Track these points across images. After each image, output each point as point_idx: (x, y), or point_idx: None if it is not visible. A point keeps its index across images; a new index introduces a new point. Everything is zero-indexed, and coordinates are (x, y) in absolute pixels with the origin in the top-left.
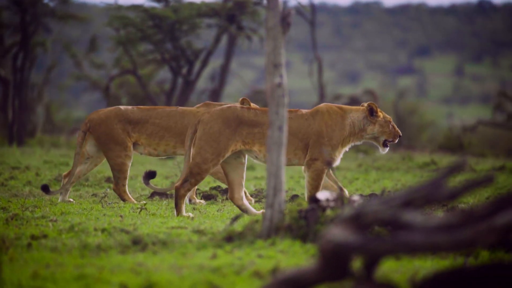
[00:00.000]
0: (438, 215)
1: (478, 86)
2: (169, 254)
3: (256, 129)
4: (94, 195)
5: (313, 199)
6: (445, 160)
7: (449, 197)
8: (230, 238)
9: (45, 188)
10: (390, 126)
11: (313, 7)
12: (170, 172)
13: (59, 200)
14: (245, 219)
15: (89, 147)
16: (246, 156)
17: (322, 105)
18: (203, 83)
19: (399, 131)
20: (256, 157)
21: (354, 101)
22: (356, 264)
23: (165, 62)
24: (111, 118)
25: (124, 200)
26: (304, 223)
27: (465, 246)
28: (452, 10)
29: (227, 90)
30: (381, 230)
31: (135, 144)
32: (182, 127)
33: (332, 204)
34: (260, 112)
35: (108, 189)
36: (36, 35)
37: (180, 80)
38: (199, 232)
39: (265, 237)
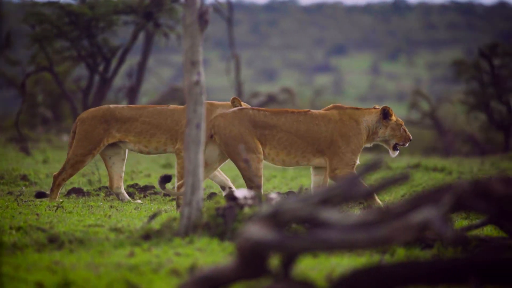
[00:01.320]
0: (355, 212)
1: (394, 84)
2: (86, 252)
3: (266, 130)
4: (10, 193)
5: (231, 197)
6: (362, 158)
7: (365, 195)
8: (147, 236)
9: (41, 195)
10: (402, 130)
11: (230, 5)
12: (86, 170)
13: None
14: (162, 217)
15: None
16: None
17: (334, 111)
18: (120, 80)
19: (410, 135)
20: (265, 158)
21: (271, 99)
22: (274, 261)
23: (81, 59)
24: (97, 117)
25: (52, 190)
26: (222, 221)
27: (382, 244)
28: (367, 9)
29: (144, 87)
30: (298, 227)
31: (123, 142)
32: (172, 122)
33: (250, 202)
34: (269, 114)
35: (24, 187)
36: None
37: (96, 78)
38: (116, 230)
39: (183, 235)
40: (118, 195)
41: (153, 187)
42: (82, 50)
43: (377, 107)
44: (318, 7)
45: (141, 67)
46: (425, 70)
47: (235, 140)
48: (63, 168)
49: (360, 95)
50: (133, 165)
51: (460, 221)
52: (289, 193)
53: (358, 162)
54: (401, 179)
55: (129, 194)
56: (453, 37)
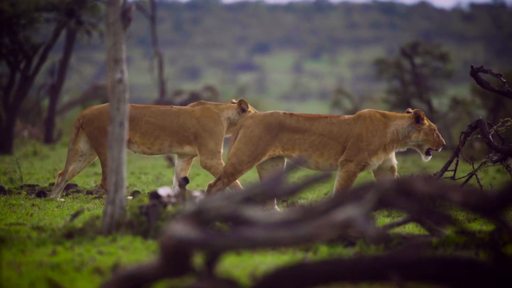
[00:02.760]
0: (279, 210)
1: (317, 83)
2: (8, 251)
3: (297, 135)
4: None
5: (154, 195)
6: None
7: (289, 193)
8: (70, 234)
9: (41, 194)
10: (435, 134)
11: (153, 3)
12: (8, 168)
13: (51, 197)
14: (85, 215)
15: (82, 144)
16: (285, 161)
17: (365, 110)
18: (41, 78)
19: (443, 140)
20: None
21: (195, 97)
22: (198, 260)
23: (2, 56)
24: (104, 114)
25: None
26: (145, 219)
27: (305, 241)
28: (290, 7)
29: (66, 85)
30: (222, 226)
31: (129, 142)
32: (177, 126)
33: (173, 200)
34: (302, 119)
35: None
36: None
37: (18, 75)
38: (38, 228)
39: (106, 234)
40: (57, 186)
41: (75, 185)
42: (3, 47)
43: (410, 111)
44: (241, 6)
45: (63, 64)
46: (347, 69)
47: (249, 140)
48: (104, 174)
49: (283, 94)
50: (56, 163)
51: (382, 219)
52: None
53: (376, 165)
54: (324, 177)
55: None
56: (375, 36)
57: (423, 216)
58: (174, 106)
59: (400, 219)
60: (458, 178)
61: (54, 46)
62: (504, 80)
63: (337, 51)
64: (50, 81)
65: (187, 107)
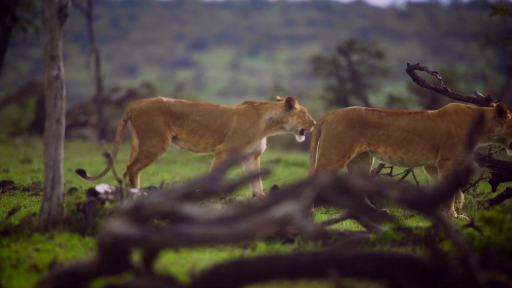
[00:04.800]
0: (217, 207)
1: (254, 79)
2: None
3: (380, 131)
4: None
5: (92, 192)
6: None
7: (227, 190)
8: (6, 231)
9: (81, 172)
10: None
11: None
12: None
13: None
14: (22, 213)
15: (136, 140)
16: (373, 158)
17: (450, 107)
18: None
19: None
20: (381, 158)
21: (132, 93)
22: (136, 257)
23: None
24: (153, 109)
25: (131, 181)
26: (83, 216)
27: (243, 238)
28: (227, 4)
29: (2, 81)
30: (160, 222)
31: (175, 138)
32: (221, 124)
33: (111, 197)
34: (384, 114)
35: None
36: None
37: None
38: None
39: (43, 231)
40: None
41: (12, 182)
42: None
43: (494, 105)
44: (178, 2)
45: None
46: (285, 66)
47: (334, 138)
48: (136, 159)
49: (221, 90)
50: None
51: (320, 216)
52: (151, 188)
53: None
54: (263, 174)
55: None
56: (312, 34)
57: (360, 213)
58: (221, 105)
59: (337, 215)
60: (395, 175)
61: None
62: (440, 78)
63: (274, 48)
64: None
65: (233, 106)
